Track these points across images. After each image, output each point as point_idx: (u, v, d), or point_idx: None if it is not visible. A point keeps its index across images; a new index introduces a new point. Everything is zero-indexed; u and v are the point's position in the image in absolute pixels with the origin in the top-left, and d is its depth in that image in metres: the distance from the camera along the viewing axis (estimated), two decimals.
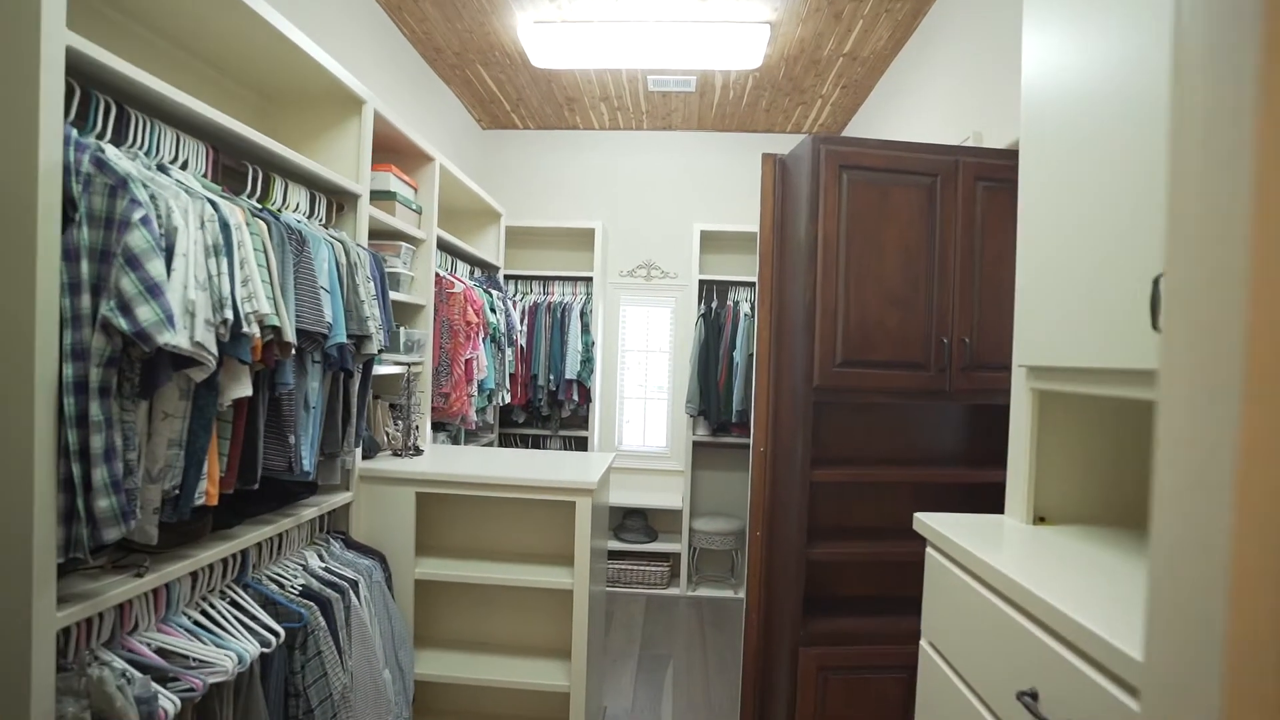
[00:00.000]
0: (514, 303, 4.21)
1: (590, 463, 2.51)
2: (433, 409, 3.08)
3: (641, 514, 4.39)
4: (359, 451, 2.20)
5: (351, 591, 1.84)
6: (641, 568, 4.27)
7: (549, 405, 4.31)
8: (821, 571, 2.35)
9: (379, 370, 2.31)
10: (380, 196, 2.49)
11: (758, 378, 2.40)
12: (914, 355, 2.07)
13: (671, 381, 4.65)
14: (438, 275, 3.09)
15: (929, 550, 1.42)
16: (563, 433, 4.42)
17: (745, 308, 4.18)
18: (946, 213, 2.08)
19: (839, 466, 2.18)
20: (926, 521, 1.43)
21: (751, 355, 4.05)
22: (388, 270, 2.42)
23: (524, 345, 4.25)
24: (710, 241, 4.46)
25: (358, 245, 2.01)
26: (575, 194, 4.69)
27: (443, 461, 2.47)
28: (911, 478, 2.19)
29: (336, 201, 2.08)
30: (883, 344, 2.06)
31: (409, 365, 2.77)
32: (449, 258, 3.42)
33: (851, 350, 2.05)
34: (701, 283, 4.30)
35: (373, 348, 1.92)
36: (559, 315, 4.29)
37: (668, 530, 4.51)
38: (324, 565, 1.89)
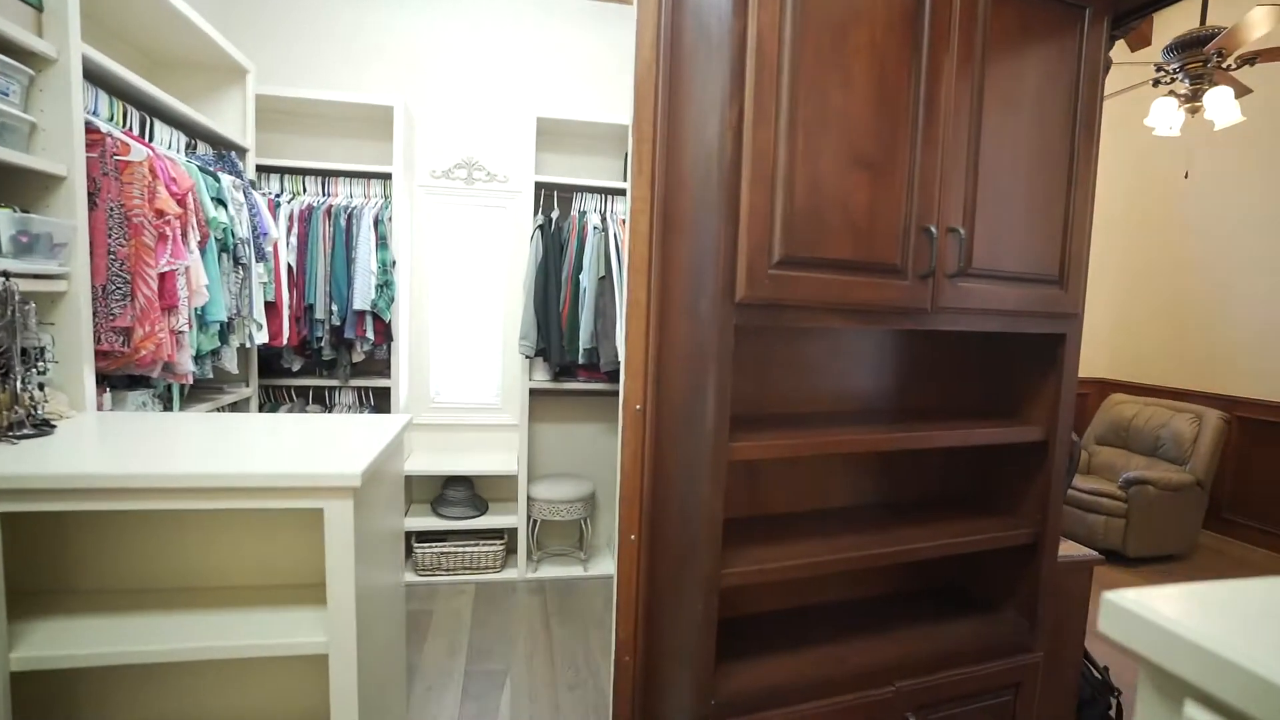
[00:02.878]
0: (270, 199, 2.89)
1: (359, 438, 1.47)
2: (102, 353, 1.82)
3: (466, 482, 3.38)
4: None
5: None
6: (468, 548, 3.29)
7: (333, 347, 3.10)
8: (736, 592, 1.56)
9: None
10: None
11: (630, 294, 1.49)
12: (886, 253, 1.27)
13: (503, 314, 3.62)
14: (94, 129, 1.78)
15: (1148, 687, 0.56)
16: (356, 383, 3.23)
17: (595, 219, 3.21)
18: (938, 31, 1.27)
19: (775, 433, 1.36)
20: (1153, 619, 0.54)
21: (603, 278, 3.13)
22: None
23: (293, 264, 2.97)
24: (552, 135, 3.40)
25: None
26: (367, 60, 3.35)
27: (74, 448, 1.30)
28: (886, 444, 1.39)
29: None
30: (842, 234, 1.23)
31: (30, 275, 1.53)
32: (138, 116, 2.07)
33: (797, 242, 1.20)
34: (539, 187, 3.25)
35: None
36: (344, 224, 3.04)
37: (501, 499, 3.55)
38: None
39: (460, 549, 3.27)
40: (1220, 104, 2.83)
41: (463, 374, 3.65)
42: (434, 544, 3.25)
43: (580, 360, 3.18)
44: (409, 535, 3.24)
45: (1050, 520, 1.52)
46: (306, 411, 3.20)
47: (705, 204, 1.23)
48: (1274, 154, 3.76)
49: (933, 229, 1.27)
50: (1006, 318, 1.39)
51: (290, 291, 2.90)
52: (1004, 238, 1.35)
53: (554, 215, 3.26)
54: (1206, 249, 4.14)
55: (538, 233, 3.18)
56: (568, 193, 3.31)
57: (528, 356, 3.20)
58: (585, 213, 3.27)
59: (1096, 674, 2.13)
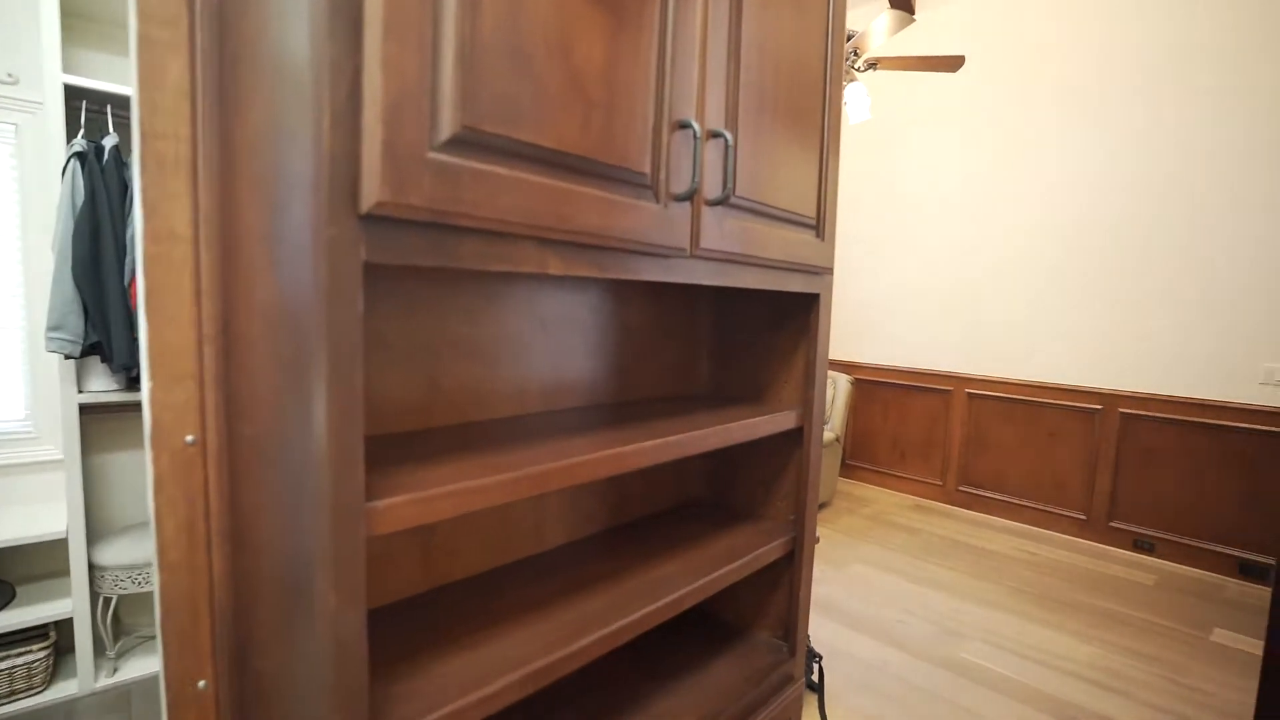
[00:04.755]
0: None
1: None
2: None
3: None
4: None
5: None
6: None
7: None
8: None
9: None
10: None
11: (151, 221, 0.74)
12: (632, 153, 0.77)
13: (25, 290, 2.27)
14: None
15: None
16: None
17: None
18: None
19: (455, 464, 0.74)
20: None
21: None
22: None
23: None
24: (91, 21, 2.19)
25: None
26: None
27: None
28: (634, 460, 0.88)
29: None
30: (565, 103, 0.68)
31: None
32: None
33: (486, 106, 0.60)
34: (73, 93, 2.05)
35: None
36: None
37: (41, 576, 2.24)
38: None
39: None
40: (856, 101, 3.08)
41: None
42: None
43: None
44: None
45: (807, 524, 1.22)
46: None
47: (293, 37, 0.57)
48: (890, 139, 4.42)
49: (694, 125, 0.81)
50: (768, 270, 1.02)
51: None
52: (767, 160, 0.97)
53: (105, 140, 2.09)
54: (841, 230, 4.73)
55: (75, 164, 1.99)
56: (123, 103, 2.16)
57: (69, 356, 2.01)
58: None
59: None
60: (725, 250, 0.89)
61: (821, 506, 3.99)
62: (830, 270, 1.16)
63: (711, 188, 0.86)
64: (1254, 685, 2.18)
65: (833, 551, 3.25)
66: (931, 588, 2.86)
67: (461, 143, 0.60)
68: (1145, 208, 3.22)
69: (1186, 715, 2.02)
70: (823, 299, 1.16)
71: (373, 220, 0.55)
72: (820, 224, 1.12)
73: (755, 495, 1.31)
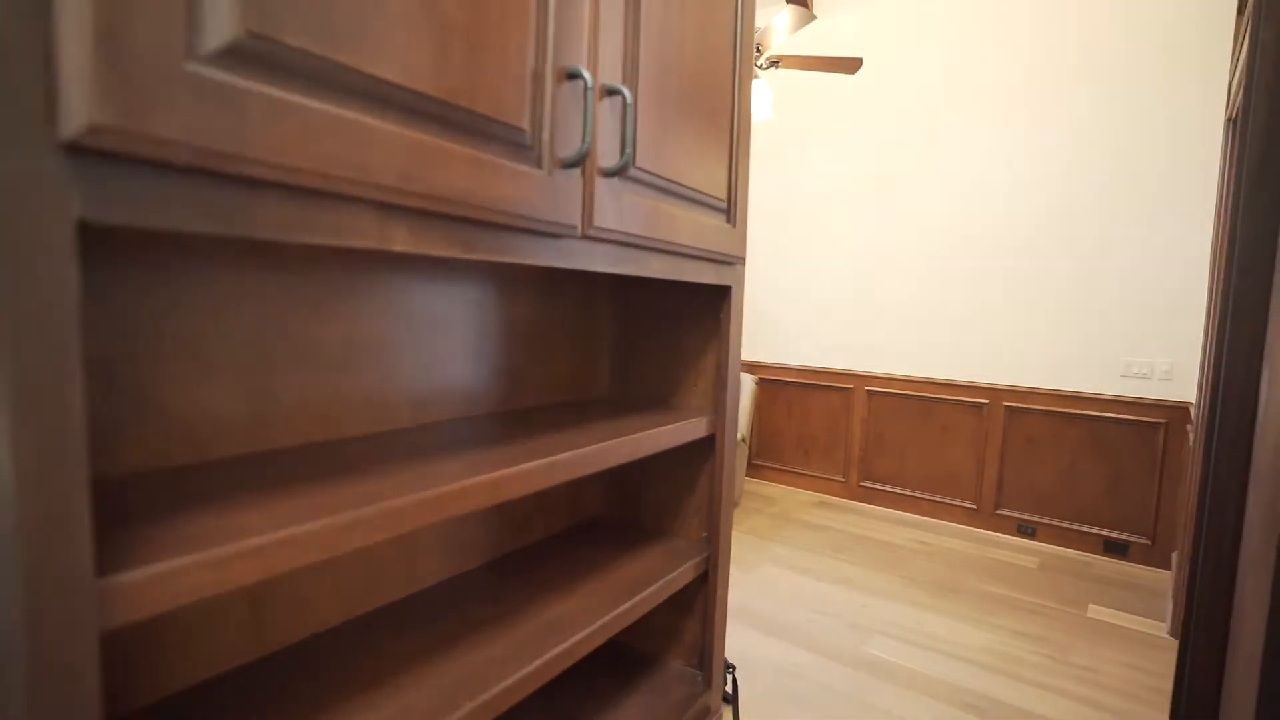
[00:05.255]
0: None
1: None
2: None
3: None
4: None
5: None
6: None
7: None
8: None
9: None
10: None
11: None
12: (505, 101, 0.60)
13: None
14: None
15: None
16: None
17: None
18: None
19: (280, 503, 0.55)
20: None
21: None
22: None
23: None
24: None
25: None
26: None
27: None
28: (517, 485, 0.71)
29: None
30: (413, 23, 0.53)
31: None
32: None
33: (282, 11, 0.44)
34: None
35: None
36: None
37: None
38: None
39: None
40: (759, 97, 3.05)
41: None
42: None
43: None
44: None
45: (721, 542, 1.11)
46: None
47: None
48: (789, 138, 4.47)
49: (585, 75, 0.66)
50: (676, 257, 0.89)
51: None
52: (674, 131, 0.83)
53: None
54: None
55: None
56: None
57: None
58: None
59: None
60: (625, 231, 0.75)
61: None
62: (743, 260, 1.04)
63: (607, 154, 0.71)
64: (1128, 659, 2.31)
65: (743, 554, 3.21)
66: (838, 584, 2.87)
67: (245, 56, 0.42)
68: (1027, 212, 3.41)
69: (1074, 693, 2.10)
70: (735, 292, 1.05)
71: (90, 157, 0.37)
72: (732, 208, 1.00)
73: (664, 511, 1.18)
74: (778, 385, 4.41)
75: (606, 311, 1.24)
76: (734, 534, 3.50)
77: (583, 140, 0.67)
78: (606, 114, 0.71)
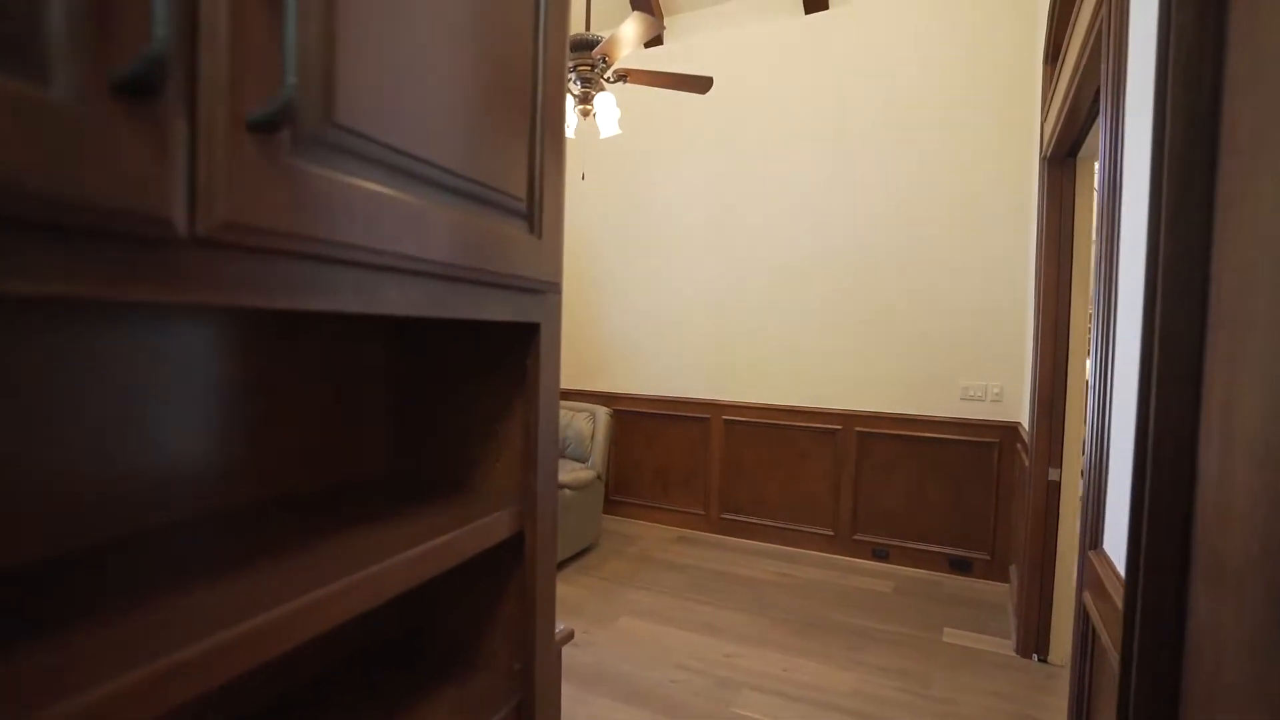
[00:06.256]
0: None
1: None
2: None
3: None
4: None
5: None
6: None
7: None
8: None
9: None
10: None
11: None
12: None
13: None
14: None
15: None
16: None
17: None
18: None
19: None
20: None
21: None
22: None
23: None
24: None
25: None
26: None
27: None
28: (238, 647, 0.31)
29: None
30: None
31: None
32: None
33: None
34: None
35: None
36: None
37: None
38: None
39: None
40: (605, 112, 2.82)
41: None
42: None
43: None
44: None
45: (539, 676, 0.78)
46: None
47: None
48: (642, 164, 4.27)
49: None
50: (433, 281, 0.56)
51: None
52: (421, 72, 0.52)
53: None
54: (595, 254, 4.43)
55: None
56: None
57: None
58: None
59: None
60: (309, 238, 0.41)
61: (586, 550, 3.63)
62: (557, 287, 0.74)
63: (251, 80, 0.37)
64: (986, 684, 2.28)
65: (599, 605, 2.89)
66: (702, 632, 2.64)
67: None
68: (871, 245, 3.47)
69: None
70: (546, 331, 0.74)
71: None
72: (535, 212, 0.69)
73: (461, 638, 0.83)
74: (634, 416, 4.18)
75: (378, 362, 0.88)
76: (591, 581, 3.17)
77: (160, 37, 0.33)
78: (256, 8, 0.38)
